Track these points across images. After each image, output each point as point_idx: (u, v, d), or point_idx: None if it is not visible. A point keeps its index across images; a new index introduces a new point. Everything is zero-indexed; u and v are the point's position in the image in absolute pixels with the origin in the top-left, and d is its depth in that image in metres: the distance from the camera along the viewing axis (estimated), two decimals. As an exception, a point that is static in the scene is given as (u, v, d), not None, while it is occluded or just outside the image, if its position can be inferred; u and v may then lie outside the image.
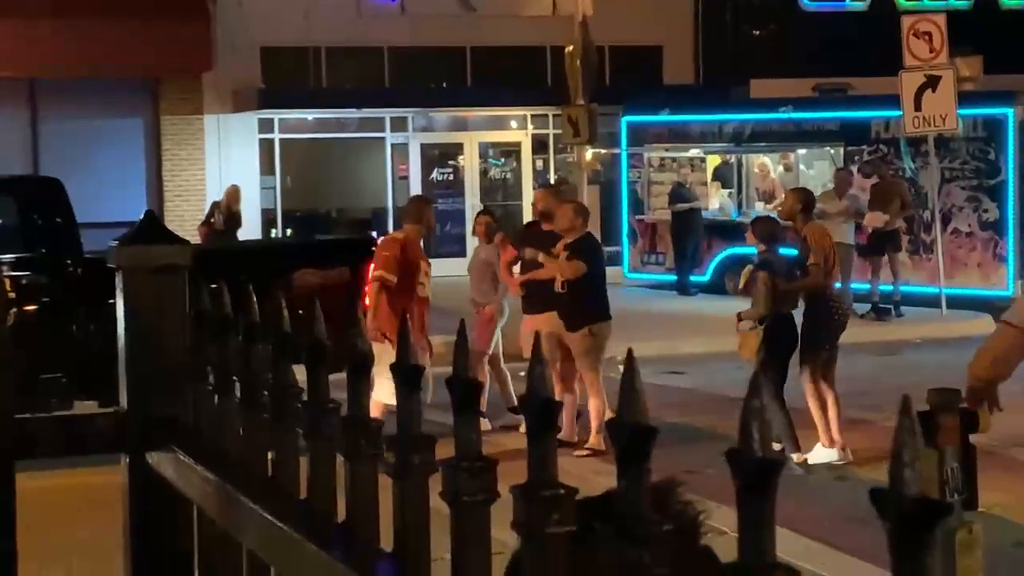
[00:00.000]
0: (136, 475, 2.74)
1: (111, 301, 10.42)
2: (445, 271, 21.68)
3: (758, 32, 34.12)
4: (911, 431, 1.00)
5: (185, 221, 25.99)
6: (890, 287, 22.39)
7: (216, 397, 2.52)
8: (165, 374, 2.75)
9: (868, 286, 22.43)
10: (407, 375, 1.80)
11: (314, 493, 2.04)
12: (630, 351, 1.33)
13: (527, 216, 30.80)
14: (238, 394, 2.42)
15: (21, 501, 2.92)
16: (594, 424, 12.97)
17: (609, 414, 12.89)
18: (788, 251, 13.31)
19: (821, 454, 12.51)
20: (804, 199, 13.15)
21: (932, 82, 20.34)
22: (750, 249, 23.17)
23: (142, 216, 2.91)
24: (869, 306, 22.27)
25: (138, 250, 2.83)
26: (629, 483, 1.30)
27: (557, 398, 1.51)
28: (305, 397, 2.10)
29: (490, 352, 14.22)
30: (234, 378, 2.45)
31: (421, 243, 13.66)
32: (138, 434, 2.71)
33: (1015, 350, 5.86)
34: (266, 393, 2.28)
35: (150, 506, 2.73)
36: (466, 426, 1.62)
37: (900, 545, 0.99)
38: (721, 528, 2.16)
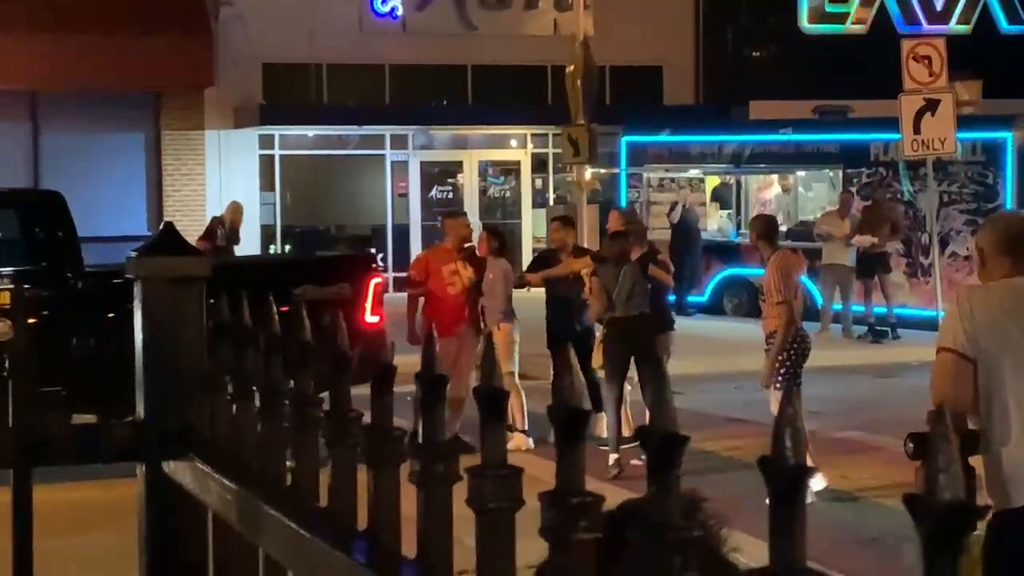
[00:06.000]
0: (152, 483, 2.76)
1: (111, 315, 10.34)
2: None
3: (758, 54, 34.21)
4: (944, 438, 1.02)
5: (185, 235, 25.84)
6: (884, 309, 22.47)
7: (235, 407, 2.54)
8: (182, 384, 2.77)
9: (863, 308, 22.50)
10: (429, 384, 1.82)
11: (336, 500, 2.06)
12: (660, 360, 1.36)
13: (526, 235, 30.92)
14: (257, 403, 2.44)
15: (36, 511, 2.95)
16: None
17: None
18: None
19: None
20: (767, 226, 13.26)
21: (931, 106, 20.38)
22: (748, 270, 23.35)
23: (161, 228, 2.94)
24: (866, 328, 22.34)
25: (157, 261, 2.86)
26: (660, 490, 1.32)
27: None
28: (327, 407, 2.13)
29: (515, 369, 14.39)
30: (253, 388, 2.47)
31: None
32: (155, 443, 2.73)
33: (963, 375, 5.74)
34: (286, 402, 2.31)
35: (166, 514, 2.75)
36: (492, 434, 1.65)
37: (934, 548, 1.02)
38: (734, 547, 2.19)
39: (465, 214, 16.41)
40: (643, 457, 1.35)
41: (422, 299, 14.61)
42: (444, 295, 14.32)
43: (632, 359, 13.32)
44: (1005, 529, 5.63)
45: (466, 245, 14.86)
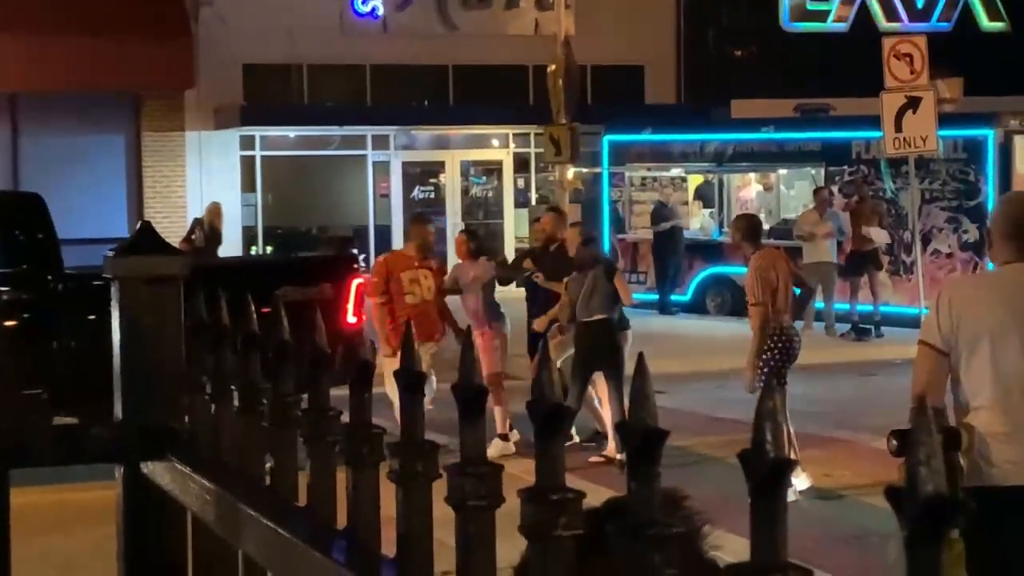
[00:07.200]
0: (131, 484, 2.74)
1: (91, 316, 10.31)
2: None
3: (740, 52, 34.24)
4: (927, 432, 1.01)
5: (166, 237, 25.75)
6: (869, 307, 22.51)
7: (213, 406, 2.53)
8: (160, 384, 2.75)
9: (847, 306, 22.52)
10: (409, 381, 1.81)
11: (315, 498, 2.05)
12: (641, 356, 1.34)
13: (508, 235, 30.94)
14: (236, 403, 2.43)
15: (17, 513, 2.93)
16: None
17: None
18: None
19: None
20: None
21: (913, 103, 20.41)
22: (731, 268, 23.37)
23: (138, 227, 2.92)
24: (849, 326, 22.37)
25: (134, 260, 2.84)
26: (640, 485, 1.31)
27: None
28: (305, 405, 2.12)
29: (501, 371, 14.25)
30: (231, 387, 2.45)
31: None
32: (133, 444, 2.71)
33: (937, 369, 6.12)
34: (264, 402, 2.30)
35: (145, 514, 2.73)
36: (472, 431, 1.63)
37: (917, 541, 1.01)
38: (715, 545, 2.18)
39: (431, 220, 15.91)
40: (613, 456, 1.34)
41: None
42: (400, 303, 13.70)
43: (598, 363, 13.54)
44: (979, 509, 5.71)
45: (430, 256, 14.34)
